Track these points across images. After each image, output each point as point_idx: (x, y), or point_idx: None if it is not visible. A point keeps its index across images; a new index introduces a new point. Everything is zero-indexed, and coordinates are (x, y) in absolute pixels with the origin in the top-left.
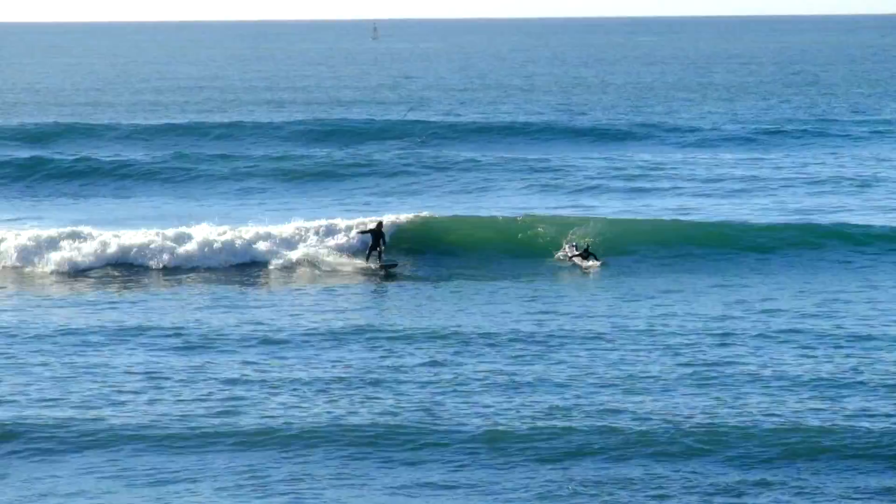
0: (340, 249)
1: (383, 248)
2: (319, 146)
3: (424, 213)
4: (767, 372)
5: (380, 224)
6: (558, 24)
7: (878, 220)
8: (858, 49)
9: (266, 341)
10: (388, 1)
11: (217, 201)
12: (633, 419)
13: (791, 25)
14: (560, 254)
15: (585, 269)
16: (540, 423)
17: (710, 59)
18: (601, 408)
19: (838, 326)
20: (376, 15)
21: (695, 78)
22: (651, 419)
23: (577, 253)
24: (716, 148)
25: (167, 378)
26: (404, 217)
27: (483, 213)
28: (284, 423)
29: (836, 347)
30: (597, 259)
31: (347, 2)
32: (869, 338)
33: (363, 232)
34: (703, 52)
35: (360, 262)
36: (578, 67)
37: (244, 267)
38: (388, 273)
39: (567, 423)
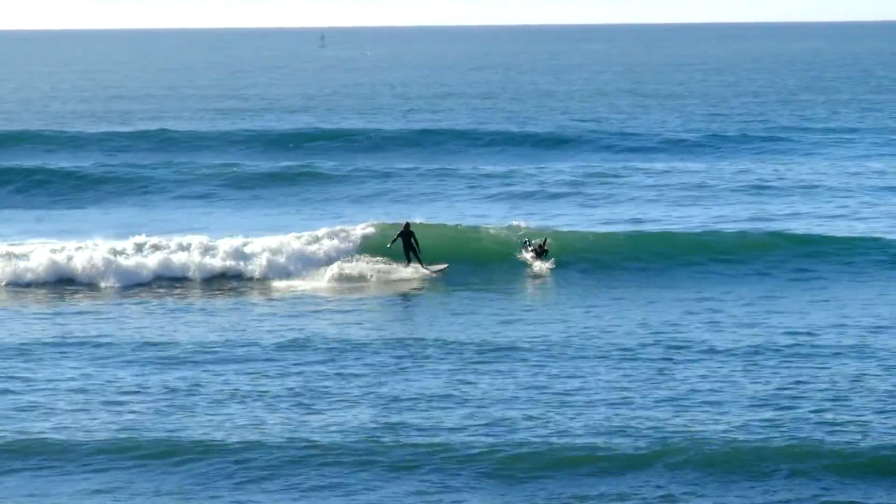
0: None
1: (417, 247)
2: (267, 154)
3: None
4: (713, 385)
5: (407, 225)
6: (508, 32)
7: (823, 229)
8: (812, 56)
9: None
10: (336, 9)
11: (171, 210)
12: (584, 434)
13: (747, 32)
14: (521, 255)
15: (537, 269)
16: (483, 439)
17: (655, 67)
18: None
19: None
20: (323, 23)
21: (642, 85)
22: (600, 433)
23: (531, 249)
24: (661, 153)
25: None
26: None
27: (433, 220)
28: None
29: (781, 360)
30: (546, 259)
31: (294, 10)
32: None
33: (393, 241)
34: (650, 59)
35: (404, 269)
36: (529, 74)
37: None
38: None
39: (513, 438)
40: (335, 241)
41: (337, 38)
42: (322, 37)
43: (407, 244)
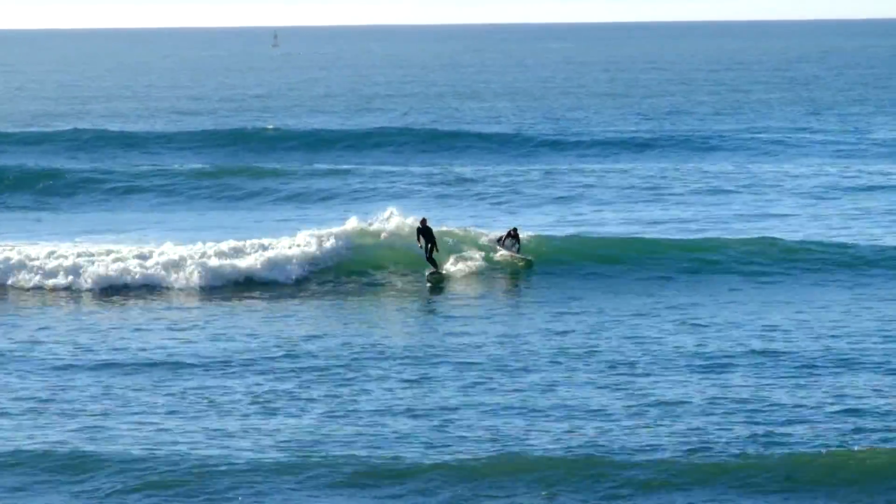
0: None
1: (435, 244)
2: (219, 154)
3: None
4: (670, 395)
5: (423, 221)
6: (466, 31)
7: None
8: (781, 54)
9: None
10: (289, 9)
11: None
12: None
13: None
14: (498, 250)
15: (512, 256)
16: (410, 455)
17: (620, 64)
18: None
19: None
20: (277, 22)
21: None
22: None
23: (502, 237)
24: (612, 154)
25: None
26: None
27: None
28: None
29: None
30: (519, 248)
31: (248, 9)
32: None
33: (420, 241)
34: (617, 58)
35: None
36: (481, 73)
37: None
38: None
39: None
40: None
41: (291, 37)
42: (275, 36)
43: (427, 241)
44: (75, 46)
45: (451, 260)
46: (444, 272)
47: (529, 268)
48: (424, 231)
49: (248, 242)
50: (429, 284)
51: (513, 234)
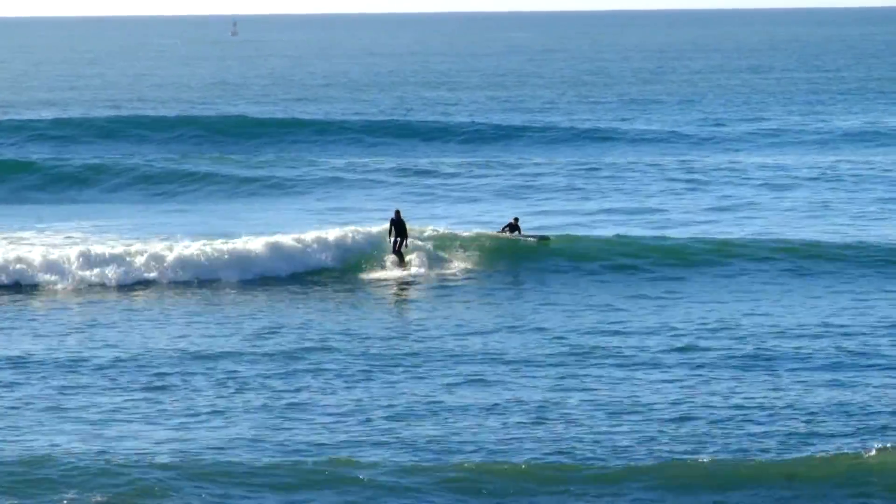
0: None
1: (406, 238)
2: (174, 146)
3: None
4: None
5: (398, 213)
6: (433, 19)
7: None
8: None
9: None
10: None
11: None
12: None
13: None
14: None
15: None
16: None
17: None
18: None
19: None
20: (236, 10)
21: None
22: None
23: (505, 227)
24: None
25: None
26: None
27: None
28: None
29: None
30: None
31: None
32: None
33: (389, 230)
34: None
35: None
36: (447, 62)
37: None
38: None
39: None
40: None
41: (250, 25)
42: (234, 24)
43: (397, 233)
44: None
45: (418, 260)
46: (411, 269)
47: (547, 246)
48: (397, 223)
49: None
50: (398, 272)
51: (514, 224)
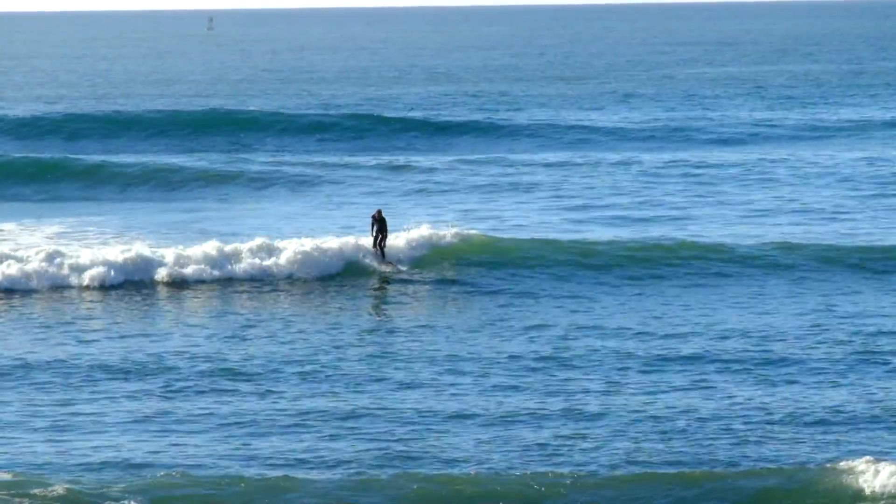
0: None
1: (386, 235)
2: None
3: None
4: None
5: (379, 212)
6: (404, 13)
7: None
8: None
9: None
10: None
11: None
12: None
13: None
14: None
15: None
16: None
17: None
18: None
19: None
20: (212, 5)
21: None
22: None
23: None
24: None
25: None
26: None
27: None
28: None
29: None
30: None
31: None
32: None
33: (371, 227)
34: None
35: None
36: (423, 56)
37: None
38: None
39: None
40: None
41: (226, 20)
42: (211, 19)
43: (379, 230)
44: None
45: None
46: (393, 267)
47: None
48: (379, 220)
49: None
50: (386, 269)
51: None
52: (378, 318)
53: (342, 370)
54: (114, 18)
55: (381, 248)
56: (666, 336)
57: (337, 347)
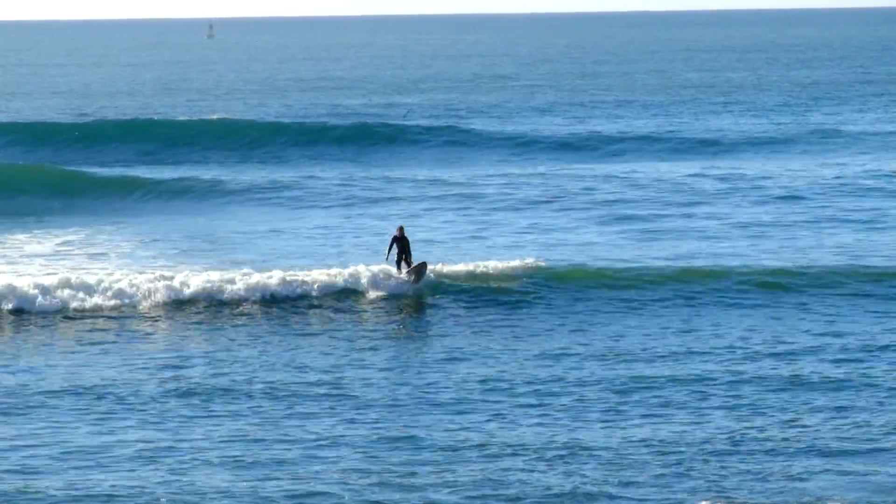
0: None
1: (408, 259)
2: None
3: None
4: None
5: (401, 229)
6: (400, 22)
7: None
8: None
9: None
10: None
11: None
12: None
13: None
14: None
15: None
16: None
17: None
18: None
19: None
20: (213, 13)
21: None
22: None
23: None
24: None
25: None
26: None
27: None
28: None
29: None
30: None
31: (181, 1)
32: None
33: (389, 247)
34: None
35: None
36: (404, 67)
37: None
38: (419, 275)
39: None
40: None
41: (227, 28)
42: (210, 26)
43: (401, 250)
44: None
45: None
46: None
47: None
48: (400, 239)
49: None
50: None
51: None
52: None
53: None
54: (109, 27)
55: (408, 263)
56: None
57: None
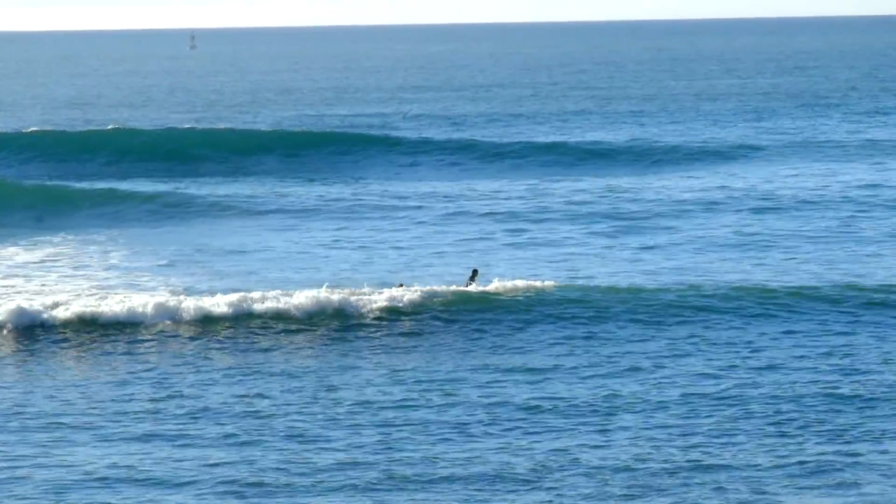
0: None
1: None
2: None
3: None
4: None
5: (475, 272)
6: (374, 32)
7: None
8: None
9: None
10: (207, 11)
11: None
12: None
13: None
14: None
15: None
16: None
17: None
18: None
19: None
20: (194, 24)
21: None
22: None
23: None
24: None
25: None
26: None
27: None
28: None
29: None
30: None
31: (164, 11)
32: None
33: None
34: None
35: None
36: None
37: None
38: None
39: None
40: None
41: (209, 39)
42: (192, 37)
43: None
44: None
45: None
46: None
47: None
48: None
49: None
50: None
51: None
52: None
53: None
54: (94, 37)
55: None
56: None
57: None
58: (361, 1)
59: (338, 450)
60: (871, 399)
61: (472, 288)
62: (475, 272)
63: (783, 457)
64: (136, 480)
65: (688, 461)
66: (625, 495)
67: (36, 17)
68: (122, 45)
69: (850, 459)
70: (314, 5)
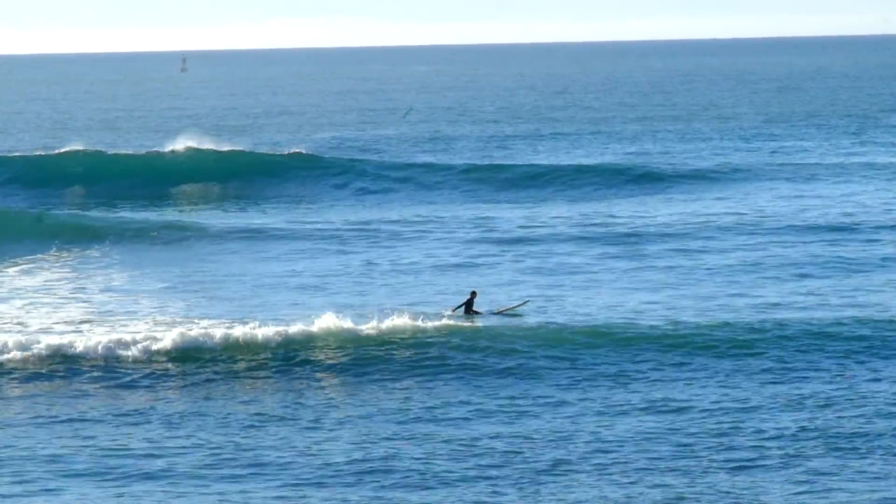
0: None
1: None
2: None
3: None
4: None
5: (473, 294)
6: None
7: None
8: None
9: None
10: (198, 33)
11: None
12: None
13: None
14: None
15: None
16: None
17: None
18: None
19: None
20: (185, 46)
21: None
22: None
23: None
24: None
25: None
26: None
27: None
28: None
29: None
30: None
31: (156, 34)
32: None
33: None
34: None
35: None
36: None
37: None
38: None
39: None
40: None
41: (200, 61)
42: (184, 59)
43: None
44: None
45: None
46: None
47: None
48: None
49: None
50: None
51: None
52: None
53: None
54: (84, 61)
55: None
56: None
57: None
58: (358, 23)
59: None
60: None
61: (459, 313)
62: (473, 294)
63: None
64: None
65: None
66: None
67: (22, 40)
68: (114, 67)
69: None
70: (310, 27)
